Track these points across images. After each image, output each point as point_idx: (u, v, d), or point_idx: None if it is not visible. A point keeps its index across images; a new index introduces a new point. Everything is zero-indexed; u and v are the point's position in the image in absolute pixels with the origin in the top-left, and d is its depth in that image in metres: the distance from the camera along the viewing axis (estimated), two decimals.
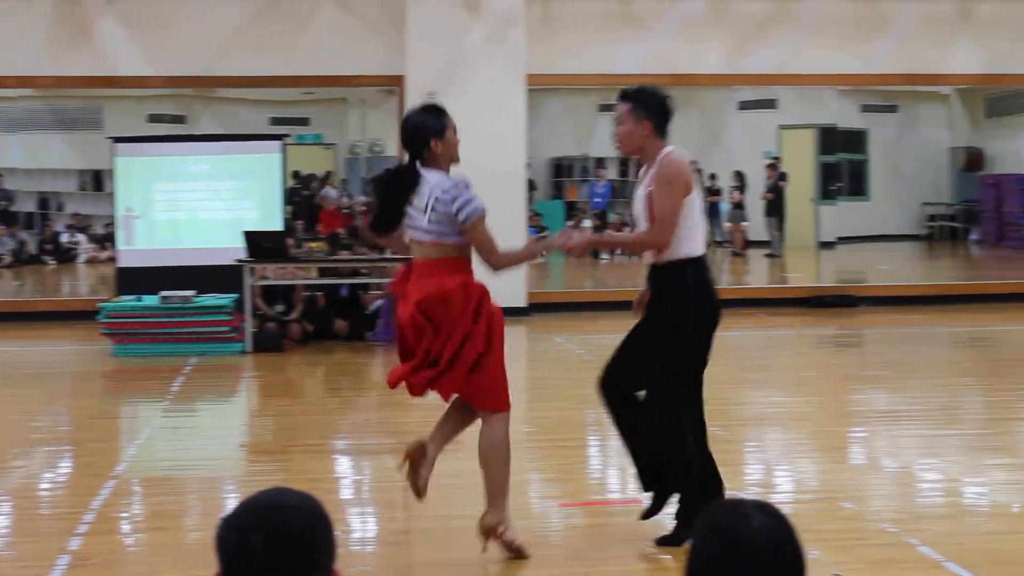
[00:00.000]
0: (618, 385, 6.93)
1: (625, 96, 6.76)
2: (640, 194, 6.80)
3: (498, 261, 6.57)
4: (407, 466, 6.70)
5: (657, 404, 6.77)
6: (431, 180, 6.45)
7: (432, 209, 6.40)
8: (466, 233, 6.43)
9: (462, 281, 6.44)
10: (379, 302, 15.67)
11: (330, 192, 28.89)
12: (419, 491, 6.72)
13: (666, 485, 6.89)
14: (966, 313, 17.95)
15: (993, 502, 7.90)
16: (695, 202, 6.69)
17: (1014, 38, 19.21)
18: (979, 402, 11.74)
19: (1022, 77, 20.88)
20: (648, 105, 6.71)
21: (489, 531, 6.56)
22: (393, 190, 6.57)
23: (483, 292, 6.49)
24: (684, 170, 6.65)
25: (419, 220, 6.46)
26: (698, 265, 6.69)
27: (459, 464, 7.51)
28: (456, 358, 6.41)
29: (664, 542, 6.81)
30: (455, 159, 6.60)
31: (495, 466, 6.57)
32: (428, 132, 6.50)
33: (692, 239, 6.66)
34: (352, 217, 27.82)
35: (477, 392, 6.54)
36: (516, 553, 6.59)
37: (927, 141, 33.07)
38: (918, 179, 33.06)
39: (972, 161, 32.39)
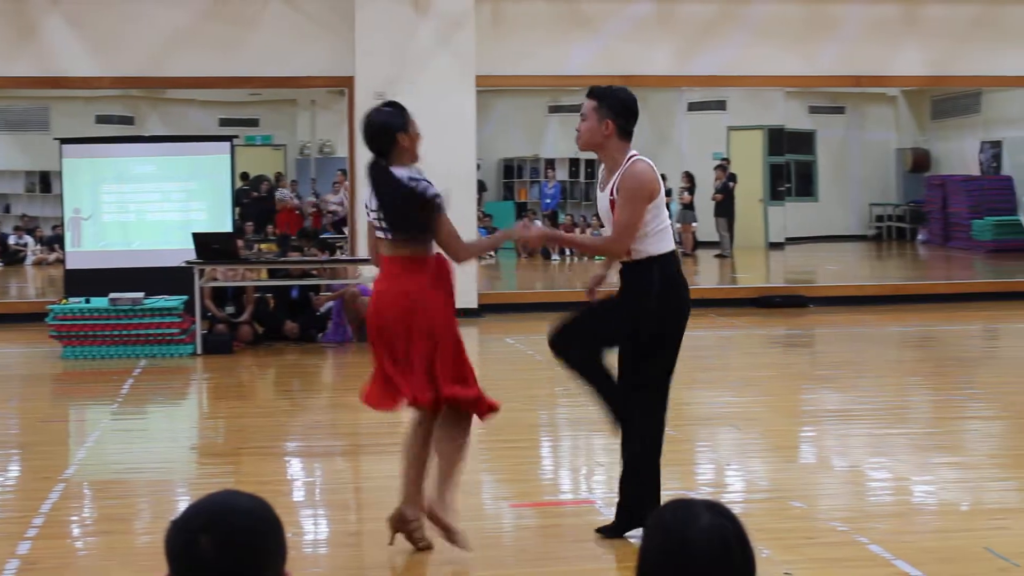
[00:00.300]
0: (571, 348, 6.93)
1: (592, 93, 6.85)
2: (603, 197, 6.84)
3: (462, 253, 6.65)
4: (394, 537, 6.75)
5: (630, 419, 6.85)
6: (399, 176, 6.51)
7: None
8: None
9: (419, 290, 6.48)
10: (330, 304, 15.62)
11: (283, 193, 28.90)
12: (428, 547, 6.74)
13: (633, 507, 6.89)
14: (914, 313, 18.09)
15: (941, 500, 7.97)
16: (663, 203, 6.78)
17: (958, 40, 19.36)
18: (927, 401, 11.83)
19: (967, 79, 21.09)
20: (612, 105, 6.78)
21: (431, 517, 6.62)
22: (378, 182, 6.56)
23: (436, 304, 6.52)
24: (648, 180, 6.68)
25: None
26: (666, 262, 6.76)
27: None
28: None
29: (605, 532, 6.90)
30: (417, 155, 6.68)
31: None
32: (394, 127, 6.57)
33: (661, 238, 6.75)
34: (303, 217, 27.83)
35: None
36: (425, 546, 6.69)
37: (874, 142, 33.30)
38: (865, 180, 33.27)
39: (918, 162, 32.63)
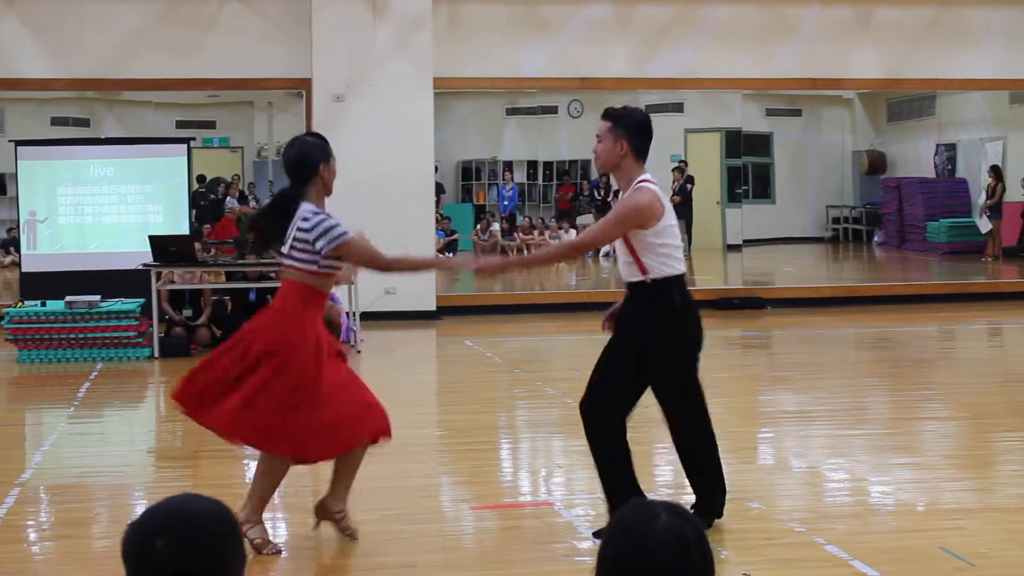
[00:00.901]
0: (605, 414, 6.97)
1: (606, 115, 6.93)
2: None
3: (386, 266, 6.94)
4: (319, 524, 7.02)
5: (688, 429, 7.04)
6: (301, 211, 6.62)
7: (294, 238, 6.59)
8: (340, 258, 6.61)
9: (293, 327, 6.56)
10: None
11: (231, 201, 28.75)
12: (353, 536, 6.91)
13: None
14: (870, 314, 18.19)
15: (898, 501, 8.02)
16: (669, 225, 6.81)
17: (913, 44, 19.48)
18: (884, 402, 11.90)
19: (921, 82, 21.20)
20: (627, 126, 6.83)
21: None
22: (278, 215, 6.71)
23: (306, 347, 6.57)
24: (643, 208, 6.72)
25: (284, 248, 6.69)
26: (681, 282, 6.86)
27: (367, 468, 7.48)
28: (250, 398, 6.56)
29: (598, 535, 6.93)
30: (331, 189, 6.82)
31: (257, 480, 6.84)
32: (318, 158, 6.71)
33: (675, 258, 6.81)
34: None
35: (254, 434, 6.67)
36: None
37: (830, 145, 33.46)
38: (822, 182, 33.42)
39: (874, 164, 32.80)
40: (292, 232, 6.59)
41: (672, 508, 2.65)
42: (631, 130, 6.82)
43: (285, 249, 6.63)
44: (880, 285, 21.87)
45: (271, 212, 6.79)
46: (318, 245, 6.52)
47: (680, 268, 6.84)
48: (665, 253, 6.76)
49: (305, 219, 6.56)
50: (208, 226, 25.34)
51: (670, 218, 6.83)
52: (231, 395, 6.54)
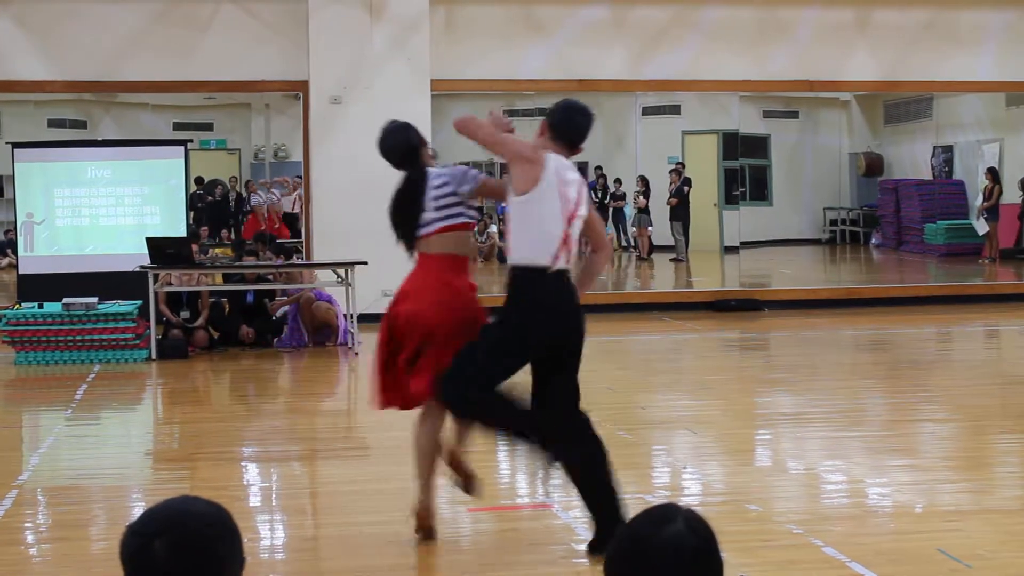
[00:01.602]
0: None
1: None
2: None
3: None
4: (425, 531, 6.96)
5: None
6: (429, 176, 6.93)
7: (435, 198, 6.82)
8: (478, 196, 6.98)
9: (459, 285, 6.90)
10: (285, 308, 15.57)
11: (256, 198, 28.78)
12: (431, 536, 6.96)
13: (607, 515, 6.73)
14: (867, 316, 18.19)
15: (895, 502, 8.02)
16: (531, 204, 6.50)
17: (910, 46, 19.49)
18: (881, 404, 11.89)
19: (918, 84, 21.20)
20: (551, 112, 6.81)
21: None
22: (410, 198, 6.93)
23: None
24: (529, 149, 6.58)
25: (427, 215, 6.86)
26: (545, 278, 6.51)
27: (363, 470, 7.49)
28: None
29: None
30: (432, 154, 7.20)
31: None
32: (416, 132, 7.14)
33: (531, 245, 6.51)
34: (274, 221, 27.70)
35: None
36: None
37: (828, 147, 33.45)
38: (819, 184, 33.41)
39: (872, 166, 32.80)
40: (429, 196, 6.79)
41: (688, 518, 2.64)
42: (552, 115, 6.80)
43: (428, 216, 6.79)
44: (877, 287, 21.87)
45: (406, 195, 6.94)
46: (463, 189, 6.80)
47: (544, 261, 6.44)
48: (537, 239, 6.44)
49: (439, 175, 6.85)
50: (205, 227, 25.34)
51: (551, 204, 6.47)
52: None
